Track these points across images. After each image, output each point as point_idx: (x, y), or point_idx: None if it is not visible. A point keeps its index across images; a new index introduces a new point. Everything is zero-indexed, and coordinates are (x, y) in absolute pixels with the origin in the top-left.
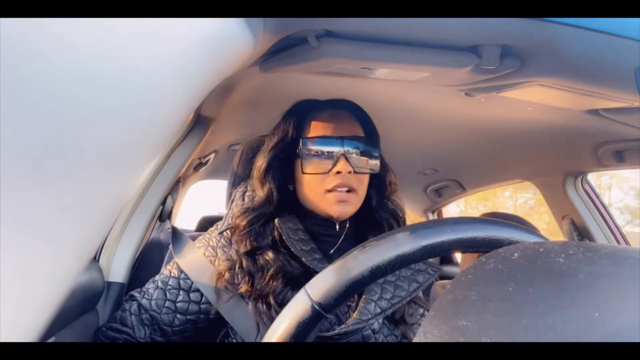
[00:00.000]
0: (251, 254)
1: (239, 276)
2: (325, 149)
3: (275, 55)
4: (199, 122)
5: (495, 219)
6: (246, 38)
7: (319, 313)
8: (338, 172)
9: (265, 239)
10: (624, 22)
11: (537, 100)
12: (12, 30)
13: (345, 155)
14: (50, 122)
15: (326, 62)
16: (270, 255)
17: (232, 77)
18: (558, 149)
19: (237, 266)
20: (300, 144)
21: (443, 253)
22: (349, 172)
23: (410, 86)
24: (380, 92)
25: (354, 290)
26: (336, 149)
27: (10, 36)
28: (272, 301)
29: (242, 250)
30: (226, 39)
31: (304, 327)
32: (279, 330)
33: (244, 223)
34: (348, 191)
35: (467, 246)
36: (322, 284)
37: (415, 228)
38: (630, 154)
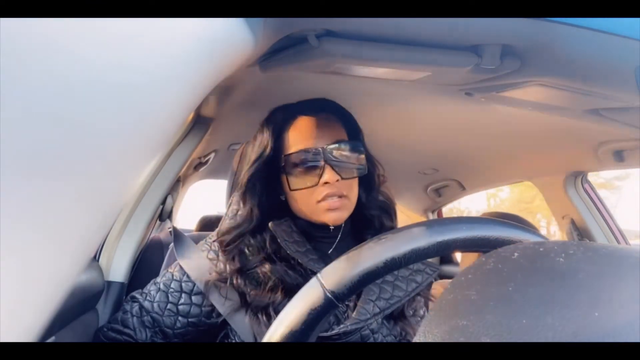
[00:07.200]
0: (241, 272)
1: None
2: (309, 162)
3: (275, 55)
4: (199, 122)
5: (511, 221)
6: (246, 38)
7: (331, 301)
8: (326, 183)
9: (259, 250)
10: (624, 22)
11: (537, 100)
12: (12, 30)
13: (330, 165)
14: (50, 122)
15: (326, 61)
16: (267, 267)
17: (232, 77)
18: (558, 149)
19: (227, 282)
20: (283, 161)
21: (457, 250)
22: (337, 180)
23: (410, 86)
24: (380, 92)
25: (367, 281)
26: (320, 160)
27: (10, 36)
28: (272, 313)
29: (231, 267)
30: (226, 39)
31: (316, 315)
32: (289, 317)
33: (228, 239)
34: (339, 197)
35: (481, 245)
36: (335, 272)
37: (432, 224)
38: (630, 154)
